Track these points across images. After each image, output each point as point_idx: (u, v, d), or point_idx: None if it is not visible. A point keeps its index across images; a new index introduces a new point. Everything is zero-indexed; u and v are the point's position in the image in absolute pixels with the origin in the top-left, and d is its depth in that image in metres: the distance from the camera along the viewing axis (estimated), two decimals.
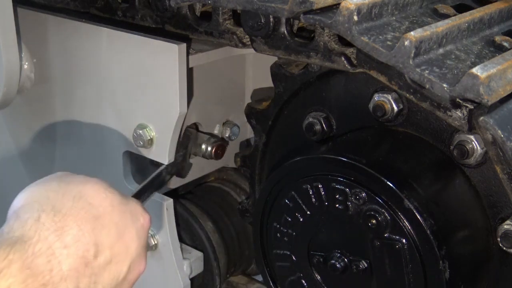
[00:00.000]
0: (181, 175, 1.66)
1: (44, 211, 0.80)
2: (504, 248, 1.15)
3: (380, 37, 1.13)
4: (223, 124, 1.81)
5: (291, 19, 1.31)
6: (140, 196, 1.16)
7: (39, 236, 0.77)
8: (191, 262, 1.67)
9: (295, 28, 1.35)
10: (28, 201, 0.83)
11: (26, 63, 1.74)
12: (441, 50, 1.13)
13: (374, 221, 1.17)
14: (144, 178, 1.27)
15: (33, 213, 0.80)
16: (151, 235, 1.60)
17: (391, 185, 1.14)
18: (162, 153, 1.51)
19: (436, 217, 1.14)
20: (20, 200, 0.84)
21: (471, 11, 1.22)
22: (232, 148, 1.81)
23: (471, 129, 1.12)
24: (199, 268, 1.70)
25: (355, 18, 1.12)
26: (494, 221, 1.19)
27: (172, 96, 1.46)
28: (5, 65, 1.57)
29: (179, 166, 1.58)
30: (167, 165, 1.43)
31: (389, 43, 1.12)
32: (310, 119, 1.39)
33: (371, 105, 1.27)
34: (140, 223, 0.91)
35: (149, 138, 1.52)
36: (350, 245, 1.24)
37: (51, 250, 0.77)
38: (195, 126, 1.72)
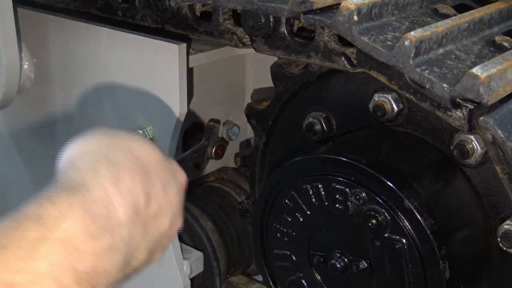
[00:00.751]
0: (200, 167, 1.66)
1: (99, 161, 0.82)
2: (504, 248, 1.15)
3: (380, 37, 1.13)
4: (223, 124, 1.81)
5: (291, 19, 1.31)
6: None
7: (95, 182, 0.79)
8: (191, 262, 1.67)
9: (295, 28, 1.35)
10: (83, 152, 0.85)
11: (26, 63, 1.74)
12: (441, 50, 1.13)
13: (374, 221, 1.17)
14: None
15: (89, 164, 0.82)
16: None
17: (391, 185, 1.14)
18: (162, 153, 1.51)
19: (436, 217, 1.14)
20: (73, 152, 0.86)
21: (471, 11, 1.22)
22: (232, 148, 1.81)
23: (471, 129, 1.12)
24: (199, 268, 1.70)
25: (355, 18, 1.12)
26: (494, 221, 1.19)
27: (172, 96, 1.46)
28: (5, 65, 1.57)
29: (200, 156, 1.59)
30: (192, 151, 1.43)
31: (389, 43, 1.12)
32: (310, 119, 1.39)
33: (371, 105, 1.27)
34: (179, 181, 0.94)
35: (149, 138, 1.52)
36: (350, 245, 1.24)
37: (107, 196, 0.79)
38: (217, 121, 1.72)
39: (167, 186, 0.89)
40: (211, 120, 1.66)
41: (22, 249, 0.69)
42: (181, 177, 0.96)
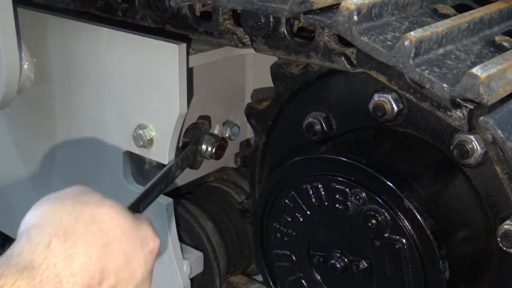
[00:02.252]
0: (194, 167, 1.66)
1: (56, 236, 0.81)
2: (504, 248, 1.15)
3: (380, 37, 1.13)
4: (223, 124, 1.81)
5: (291, 19, 1.31)
6: (148, 194, 1.18)
7: (48, 263, 0.78)
8: (191, 262, 1.67)
9: (295, 28, 1.35)
10: (41, 222, 0.83)
11: (26, 63, 1.74)
12: (441, 50, 1.13)
13: (374, 221, 1.17)
14: (144, 178, 1.28)
15: (44, 237, 0.80)
16: None
17: (391, 185, 1.14)
18: (162, 153, 1.51)
19: (436, 217, 1.14)
20: (32, 218, 0.85)
21: (471, 11, 1.22)
22: (232, 148, 1.81)
23: (471, 129, 1.12)
24: (199, 268, 1.70)
25: (355, 18, 1.12)
26: (494, 221, 1.19)
27: (172, 96, 1.45)
28: (5, 65, 1.57)
29: (190, 160, 1.58)
30: (176, 161, 1.43)
31: (389, 43, 1.12)
32: (310, 119, 1.39)
33: (371, 105, 1.27)
34: (149, 248, 0.92)
35: (149, 138, 1.52)
36: (350, 245, 1.24)
37: (58, 278, 0.78)
38: (208, 118, 1.72)
39: (131, 258, 0.87)
40: (199, 117, 1.66)
41: None
42: (153, 243, 0.93)
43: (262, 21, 1.31)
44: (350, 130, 1.35)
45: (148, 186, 1.23)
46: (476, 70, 1.02)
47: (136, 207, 1.12)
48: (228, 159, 1.82)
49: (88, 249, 0.82)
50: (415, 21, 1.21)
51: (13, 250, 0.79)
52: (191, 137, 1.63)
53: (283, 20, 1.30)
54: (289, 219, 1.31)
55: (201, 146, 1.64)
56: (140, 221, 0.93)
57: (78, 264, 0.80)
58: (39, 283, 0.76)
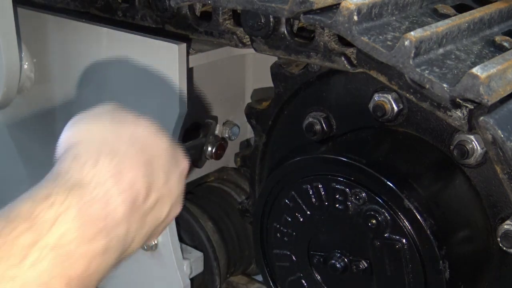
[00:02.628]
0: (198, 164, 1.65)
1: (102, 153, 0.80)
2: (504, 248, 1.15)
3: (380, 37, 1.13)
4: (223, 124, 1.81)
5: (291, 19, 1.31)
6: None
7: (96, 181, 0.77)
8: (191, 262, 1.67)
9: (295, 28, 1.35)
10: (85, 139, 0.82)
11: (26, 63, 1.74)
12: (441, 50, 1.13)
13: (374, 221, 1.17)
14: None
15: (91, 155, 0.79)
16: None
17: (391, 185, 1.14)
18: None
19: (436, 217, 1.14)
20: (73, 136, 0.84)
21: (471, 11, 1.22)
22: (232, 148, 1.81)
23: (471, 129, 1.12)
24: (199, 268, 1.70)
25: (355, 18, 1.12)
26: (494, 221, 1.19)
27: (172, 96, 1.45)
28: (5, 65, 1.57)
29: (198, 153, 1.58)
30: (189, 145, 1.42)
31: (389, 43, 1.12)
32: (310, 119, 1.39)
33: (371, 105, 1.27)
34: (181, 168, 0.92)
35: None
36: (350, 245, 1.24)
37: (107, 195, 0.77)
38: (215, 118, 1.72)
39: (169, 175, 0.87)
40: (208, 118, 1.66)
41: (12, 256, 0.68)
42: (184, 164, 0.93)
43: (262, 21, 1.31)
44: (350, 130, 1.35)
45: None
46: (476, 70, 1.02)
47: None
48: (228, 159, 1.82)
49: (134, 166, 0.81)
50: (415, 21, 1.21)
51: (60, 168, 0.79)
52: (202, 132, 1.63)
53: (283, 20, 1.30)
54: (289, 219, 1.31)
55: (207, 145, 1.64)
56: (172, 141, 0.92)
57: (125, 181, 0.79)
58: (89, 201, 0.75)
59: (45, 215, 0.72)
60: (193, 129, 1.73)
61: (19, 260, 0.68)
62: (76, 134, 0.84)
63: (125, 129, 0.86)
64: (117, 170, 0.79)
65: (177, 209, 0.92)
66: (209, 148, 1.65)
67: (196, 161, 1.63)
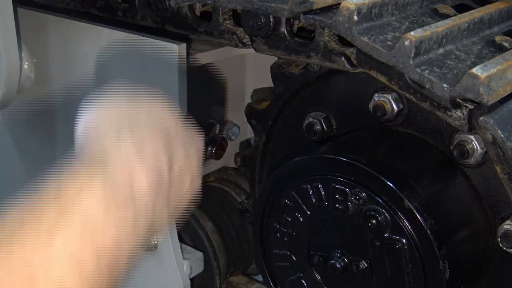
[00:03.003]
0: None
1: (122, 126, 0.80)
2: (504, 248, 1.15)
3: (380, 37, 1.13)
4: (223, 124, 1.81)
5: (291, 19, 1.31)
6: None
7: (119, 150, 0.77)
8: (191, 262, 1.67)
9: (295, 28, 1.35)
10: (104, 116, 0.83)
11: (26, 63, 1.74)
12: (441, 50, 1.13)
13: (374, 221, 1.17)
14: None
15: (112, 127, 0.80)
16: None
17: (391, 185, 1.14)
18: None
19: (436, 217, 1.14)
20: (94, 115, 0.84)
21: (471, 11, 1.22)
22: (232, 148, 1.81)
23: (471, 129, 1.12)
24: (199, 268, 1.70)
25: (355, 18, 1.12)
26: (494, 221, 1.19)
27: (172, 96, 1.45)
28: (5, 65, 1.57)
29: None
30: None
31: (389, 43, 1.12)
32: (310, 119, 1.39)
33: (371, 105, 1.27)
34: (198, 143, 0.92)
35: None
36: (350, 245, 1.24)
37: (131, 165, 0.77)
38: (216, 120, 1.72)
39: (187, 148, 0.87)
40: (210, 119, 1.67)
41: (41, 227, 0.68)
42: (199, 140, 0.93)
43: (262, 21, 1.31)
44: (350, 130, 1.35)
45: None
46: (476, 70, 1.02)
47: None
48: (228, 159, 1.82)
49: (154, 137, 0.81)
50: (415, 21, 1.21)
51: (82, 141, 0.80)
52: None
53: (283, 20, 1.30)
54: (289, 219, 1.31)
55: (208, 147, 1.64)
56: (186, 118, 0.93)
57: (148, 151, 0.79)
58: (113, 170, 0.75)
59: (70, 187, 0.72)
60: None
61: (48, 232, 0.68)
62: (93, 115, 0.84)
63: (141, 104, 0.87)
64: (139, 142, 0.79)
65: (197, 183, 0.91)
66: (209, 148, 1.65)
67: None
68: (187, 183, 0.87)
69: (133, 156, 0.78)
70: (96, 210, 0.72)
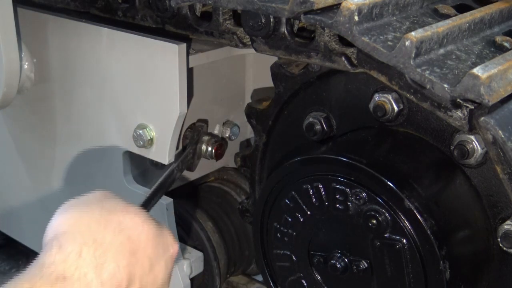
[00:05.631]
0: (191, 169, 1.66)
1: (86, 245, 0.83)
2: (504, 248, 1.15)
3: (381, 37, 1.13)
4: (223, 124, 1.81)
5: (292, 19, 1.31)
6: (155, 195, 1.21)
7: (79, 273, 0.80)
8: (191, 262, 1.67)
9: (295, 28, 1.35)
10: (71, 229, 0.85)
11: (26, 63, 1.74)
12: (441, 50, 1.13)
13: (374, 221, 1.17)
14: (146, 178, 1.28)
15: (75, 246, 0.83)
16: None
17: (391, 185, 1.14)
18: (162, 153, 1.51)
19: (437, 217, 1.14)
20: (61, 225, 0.87)
21: (471, 11, 1.22)
22: (232, 148, 1.81)
23: (472, 129, 1.12)
24: (199, 268, 1.70)
25: (356, 18, 1.12)
26: (494, 221, 1.19)
27: (172, 96, 1.45)
28: (5, 65, 1.57)
29: (190, 161, 1.59)
30: (178, 163, 1.44)
31: (389, 43, 1.12)
32: (311, 119, 1.39)
33: (371, 105, 1.27)
34: (169, 254, 0.95)
35: (149, 138, 1.52)
36: (350, 245, 1.24)
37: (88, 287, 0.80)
38: (205, 121, 1.72)
39: (154, 263, 0.90)
40: (198, 120, 1.66)
41: None
42: (173, 249, 0.96)
43: (263, 21, 1.31)
44: (350, 130, 1.35)
45: (155, 187, 1.25)
46: (477, 70, 1.02)
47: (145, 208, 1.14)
48: (228, 159, 1.82)
49: (117, 257, 0.84)
50: (415, 21, 1.21)
51: (45, 259, 0.81)
52: (190, 139, 1.64)
53: (284, 20, 1.30)
54: (289, 219, 1.31)
55: (200, 148, 1.64)
56: (161, 227, 0.95)
57: (107, 272, 0.82)
58: None
59: None
60: None
61: None
62: (64, 222, 0.87)
63: (113, 218, 0.88)
64: (100, 262, 0.82)
65: None
66: (209, 148, 1.65)
67: (190, 167, 1.64)
68: None
69: (92, 278, 0.81)
70: None
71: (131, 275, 0.85)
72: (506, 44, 1.19)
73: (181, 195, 1.83)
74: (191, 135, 1.65)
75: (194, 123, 1.70)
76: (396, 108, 1.25)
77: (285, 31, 1.31)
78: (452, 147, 1.20)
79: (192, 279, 1.68)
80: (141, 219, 0.91)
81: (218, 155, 1.67)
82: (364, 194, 1.18)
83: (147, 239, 0.90)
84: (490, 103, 1.03)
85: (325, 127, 1.38)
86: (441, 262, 1.12)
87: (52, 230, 0.86)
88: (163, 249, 0.93)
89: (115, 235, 0.86)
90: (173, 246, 0.96)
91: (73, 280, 0.79)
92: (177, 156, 1.53)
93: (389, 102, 1.25)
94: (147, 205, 1.16)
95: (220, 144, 1.67)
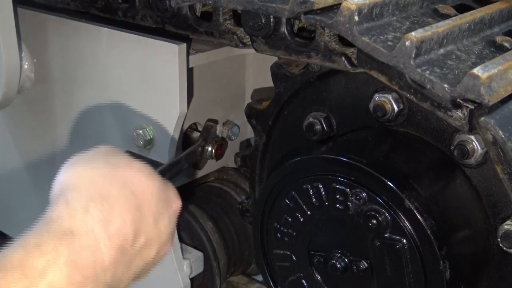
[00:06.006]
0: (198, 166, 1.66)
1: (93, 200, 0.83)
2: (504, 248, 1.15)
3: (381, 37, 1.13)
4: (223, 124, 1.81)
5: (292, 19, 1.31)
6: (173, 166, 1.20)
7: (86, 228, 0.81)
8: (191, 262, 1.67)
9: (295, 28, 1.35)
10: (77, 184, 0.86)
11: (26, 63, 1.74)
12: (442, 51, 1.13)
13: (374, 221, 1.17)
14: None
15: (82, 201, 0.83)
16: None
17: (391, 185, 1.14)
18: (162, 153, 1.51)
19: (437, 217, 1.14)
20: (67, 180, 0.87)
21: (471, 11, 1.22)
22: (232, 148, 1.81)
23: (472, 129, 1.12)
24: (199, 268, 1.70)
25: (356, 18, 1.12)
26: (494, 221, 1.19)
27: (172, 96, 1.45)
28: (5, 65, 1.57)
29: (198, 156, 1.59)
30: (187, 153, 1.44)
31: (390, 43, 1.12)
32: (311, 119, 1.39)
33: (371, 105, 1.27)
34: (172, 209, 0.96)
35: (149, 138, 1.52)
36: (350, 245, 1.24)
37: (96, 242, 0.81)
38: (215, 121, 1.72)
39: (158, 218, 0.91)
40: (208, 120, 1.67)
41: None
42: (176, 205, 0.97)
43: (263, 21, 1.31)
44: (351, 130, 1.35)
45: (174, 160, 1.24)
46: (477, 70, 1.02)
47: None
48: (228, 159, 1.82)
49: (123, 212, 0.85)
50: (416, 21, 1.21)
51: (52, 213, 0.82)
52: (200, 137, 1.63)
53: (284, 20, 1.30)
54: (289, 219, 1.31)
55: (207, 147, 1.64)
56: (165, 182, 0.96)
57: (114, 227, 0.83)
58: (79, 248, 0.78)
59: (35, 263, 0.74)
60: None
61: None
62: (70, 177, 0.87)
63: (117, 173, 0.89)
64: (106, 216, 0.83)
65: (167, 249, 0.96)
66: (209, 148, 1.65)
67: (197, 164, 1.63)
68: (154, 251, 0.91)
69: (99, 233, 0.81)
70: (60, 285, 0.75)
71: (137, 230, 0.86)
72: (506, 44, 1.19)
73: (181, 195, 1.83)
74: (201, 134, 1.64)
75: (198, 123, 1.70)
76: (396, 108, 1.25)
77: (285, 31, 1.31)
78: (452, 147, 1.20)
79: (192, 279, 1.68)
80: (145, 174, 0.91)
81: (218, 155, 1.66)
82: (364, 194, 1.18)
83: (151, 194, 0.90)
84: (490, 103, 1.03)
85: (325, 127, 1.38)
86: (441, 262, 1.12)
87: (59, 185, 0.87)
88: (166, 204, 0.93)
89: (120, 190, 0.86)
90: (176, 202, 0.97)
91: (81, 235, 0.79)
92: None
93: (389, 102, 1.25)
94: (163, 173, 1.16)
95: (220, 144, 1.67)
